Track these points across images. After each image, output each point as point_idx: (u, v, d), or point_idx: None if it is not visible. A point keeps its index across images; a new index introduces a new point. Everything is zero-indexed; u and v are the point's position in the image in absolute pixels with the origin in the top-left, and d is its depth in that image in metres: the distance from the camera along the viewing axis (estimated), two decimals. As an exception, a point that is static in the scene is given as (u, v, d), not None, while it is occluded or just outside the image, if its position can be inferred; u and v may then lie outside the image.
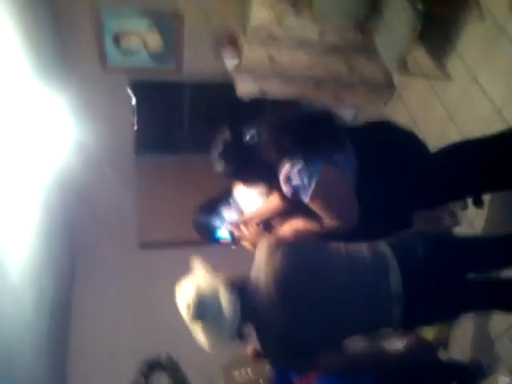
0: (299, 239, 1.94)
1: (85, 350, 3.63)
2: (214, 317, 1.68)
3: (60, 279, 3.36)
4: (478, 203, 2.92)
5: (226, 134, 2.03)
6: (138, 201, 4.30)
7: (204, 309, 1.67)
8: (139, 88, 4.20)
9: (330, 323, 1.74)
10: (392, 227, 2.02)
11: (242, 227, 2.30)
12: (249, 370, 3.39)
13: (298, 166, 1.87)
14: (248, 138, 2.00)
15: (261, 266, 1.74)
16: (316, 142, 1.91)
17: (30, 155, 2.61)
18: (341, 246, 1.83)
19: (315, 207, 1.94)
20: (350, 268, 1.76)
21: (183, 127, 4.67)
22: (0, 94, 2.16)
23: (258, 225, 2.31)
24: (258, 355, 2.45)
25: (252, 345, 2.45)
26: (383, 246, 1.80)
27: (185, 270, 4.29)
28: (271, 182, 2.08)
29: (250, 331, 1.77)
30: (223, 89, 4.16)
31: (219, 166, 2.03)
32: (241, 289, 1.73)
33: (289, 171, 1.89)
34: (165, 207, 4.14)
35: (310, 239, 1.95)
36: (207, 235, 2.62)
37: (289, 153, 1.90)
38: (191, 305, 1.68)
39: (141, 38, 3.75)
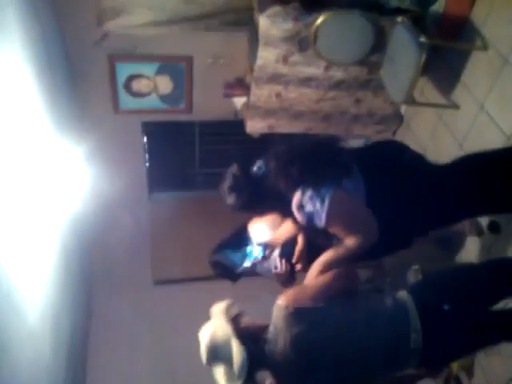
0: (318, 299, 1.86)
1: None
2: (226, 363, 1.74)
3: (77, 320, 3.37)
4: (494, 229, 2.90)
5: (233, 167, 2.07)
6: (151, 239, 4.33)
7: (216, 355, 1.77)
8: (150, 128, 4.31)
9: (348, 377, 1.80)
10: (394, 247, 2.05)
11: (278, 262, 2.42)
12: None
13: (309, 193, 1.89)
14: (255, 169, 2.04)
15: (278, 331, 1.74)
16: (324, 169, 1.93)
17: (46, 202, 2.66)
18: (361, 301, 1.87)
19: (332, 229, 1.95)
20: (369, 325, 1.79)
21: (194, 165, 4.75)
22: (15, 141, 2.23)
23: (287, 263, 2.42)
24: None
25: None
26: (402, 294, 1.84)
27: (199, 305, 4.26)
28: (283, 211, 2.10)
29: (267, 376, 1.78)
30: (232, 126, 4.25)
31: (229, 199, 2.06)
32: (256, 339, 1.78)
33: (300, 199, 1.91)
34: (178, 243, 4.17)
35: (339, 272, 1.94)
36: (227, 272, 2.66)
37: (298, 182, 1.92)
38: (205, 349, 1.80)
39: (151, 81, 3.87)
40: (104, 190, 3.38)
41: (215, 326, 1.82)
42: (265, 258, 2.46)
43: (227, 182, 2.06)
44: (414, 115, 3.83)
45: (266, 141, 4.51)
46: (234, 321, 1.84)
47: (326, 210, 1.87)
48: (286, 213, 2.08)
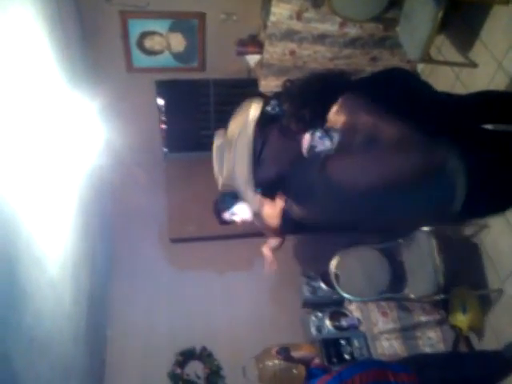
0: None
1: (122, 340, 3.74)
2: None
3: (97, 272, 3.49)
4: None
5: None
6: (168, 197, 4.39)
7: None
8: (164, 87, 4.29)
9: None
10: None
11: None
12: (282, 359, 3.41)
13: (319, 134, 1.93)
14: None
15: None
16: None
17: (64, 155, 2.71)
18: None
19: None
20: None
21: (210, 126, 4.73)
22: (33, 97, 2.25)
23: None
24: (280, 354, 2.61)
25: (275, 347, 2.62)
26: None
27: (215, 263, 4.37)
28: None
29: None
30: (247, 85, 4.21)
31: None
32: None
33: (311, 140, 1.95)
34: (194, 203, 4.22)
35: None
36: (216, 213, 2.92)
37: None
38: None
39: (164, 39, 3.83)
40: (119, 146, 3.42)
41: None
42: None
43: None
44: (431, 74, 3.75)
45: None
46: None
47: (336, 144, 1.91)
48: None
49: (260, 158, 2.12)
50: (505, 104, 2.23)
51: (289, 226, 3.09)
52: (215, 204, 3.03)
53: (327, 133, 1.93)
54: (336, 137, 1.91)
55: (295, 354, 2.70)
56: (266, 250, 3.18)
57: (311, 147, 1.95)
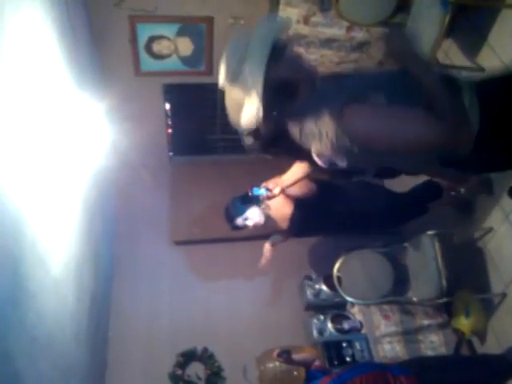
0: None
1: (124, 341, 3.77)
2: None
3: (100, 273, 3.52)
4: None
5: None
6: (172, 200, 4.43)
7: None
8: (172, 91, 4.33)
9: None
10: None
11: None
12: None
13: None
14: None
15: None
16: None
17: (69, 157, 2.76)
18: None
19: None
20: None
21: (216, 130, 4.76)
22: (41, 99, 2.30)
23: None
24: (281, 356, 2.64)
25: (277, 348, 2.68)
26: None
27: (218, 266, 4.39)
28: (299, 155, 2.15)
29: None
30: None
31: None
32: None
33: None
34: (198, 206, 4.25)
35: None
36: (228, 218, 3.04)
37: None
38: None
39: (172, 43, 3.87)
40: (125, 149, 3.46)
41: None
42: (268, 197, 2.79)
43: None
44: (437, 78, 3.74)
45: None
46: None
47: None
48: (301, 156, 2.13)
49: None
50: None
51: (297, 228, 3.15)
52: (227, 210, 3.09)
53: None
54: None
55: (296, 356, 2.71)
56: (268, 246, 3.24)
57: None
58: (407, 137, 1.51)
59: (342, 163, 1.88)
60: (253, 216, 3.04)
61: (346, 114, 1.50)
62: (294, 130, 1.68)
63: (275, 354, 2.68)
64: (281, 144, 2.07)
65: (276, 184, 2.83)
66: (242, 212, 3.00)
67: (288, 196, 3.00)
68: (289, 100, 1.61)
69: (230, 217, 3.06)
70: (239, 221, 3.03)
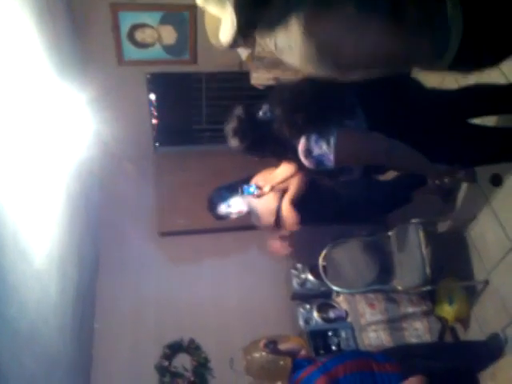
0: None
1: (110, 332, 3.74)
2: None
3: (84, 265, 3.48)
4: (496, 182, 2.91)
5: (238, 110, 2.06)
6: (157, 191, 4.40)
7: None
8: (157, 81, 4.28)
9: None
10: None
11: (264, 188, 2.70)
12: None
13: (314, 137, 1.91)
14: (261, 114, 2.04)
15: None
16: (327, 115, 1.93)
17: (51, 147, 2.71)
18: None
19: (346, 164, 2.02)
20: None
21: (201, 120, 4.73)
22: (21, 89, 2.25)
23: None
24: (267, 347, 2.68)
25: (264, 339, 2.72)
26: None
27: (204, 257, 4.38)
28: (285, 156, 2.13)
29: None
30: (239, 80, 4.21)
31: (233, 142, 2.08)
32: None
33: (307, 144, 1.92)
34: (184, 197, 4.23)
35: None
36: (213, 207, 2.99)
37: (302, 130, 1.93)
38: None
39: (155, 31, 3.82)
40: (109, 139, 3.42)
41: None
42: (258, 195, 2.73)
43: (232, 124, 2.07)
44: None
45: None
46: None
47: (333, 150, 1.89)
48: (287, 157, 2.11)
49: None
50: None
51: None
52: (210, 200, 3.04)
53: (322, 135, 1.90)
54: (332, 139, 1.87)
55: (282, 346, 2.72)
56: (275, 242, 3.13)
57: (308, 151, 1.93)
58: (369, 45, 1.44)
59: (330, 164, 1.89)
60: (236, 204, 3.00)
61: (309, 23, 1.43)
62: (269, 44, 1.62)
63: (262, 344, 2.70)
64: (266, 146, 2.07)
65: (266, 182, 2.79)
66: (225, 199, 2.95)
67: (276, 191, 2.95)
68: (262, 11, 1.53)
69: (213, 205, 3.02)
70: (222, 208, 2.98)
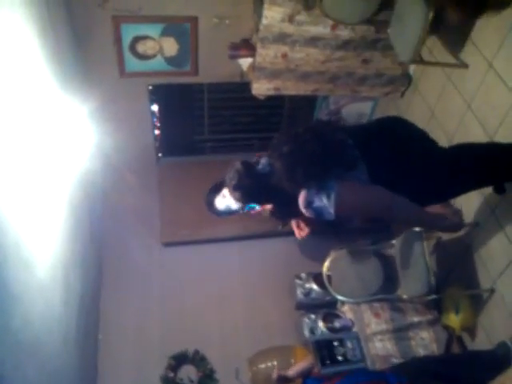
0: None
1: (114, 344, 3.73)
2: None
3: (87, 275, 3.48)
4: (500, 190, 2.90)
5: (238, 166, 2.10)
6: (160, 201, 4.40)
7: None
8: (159, 92, 4.30)
9: None
10: None
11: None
12: (275, 362, 3.40)
13: (314, 190, 1.92)
14: (260, 167, 2.08)
15: None
16: (328, 170, 1.93)
17: (53, 158, 2.72)
18: None
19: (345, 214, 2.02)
20: None
21: (202, 128, 4.75)
22: (24, 100, 2.26)
23: None
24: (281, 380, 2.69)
25: (276, 371, 2.73)
26: None
27: (207, 267, 4.36)
28: (288, 207, 2.14)
29: None
30: (241, 91, 4.23)
31: (234, 196, 2.13)
32: None
33: (307, 197, 1.94)
34: (187, 207, 4.23)
35: None
36: (212, 207, 2.81)
37: (302, 185, 1.95)
38: None
39: (156, 43, 3.85)
40: (112, 150, 3.43)
41: None
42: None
43: (232, 180, 2.11)
44: (423, 76, 3.77)
45: (273, 106, 4.52)
46: None
47: (333, 204, 1.90)
48: (291, 209, 2.12)
49: None
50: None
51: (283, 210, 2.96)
52: (205, 200, 2.98)
53: (322, 189, 1.91)
54: (333, 194, 1.90)
55: (292, 371, 2.72)
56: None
57: (308, 202, 1.95)
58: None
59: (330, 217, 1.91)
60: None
61: None
62: None
63: (274, 377, 2.70)
64: (267, 198, 2.12)
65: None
66: (217, 191, 2.93)
67: None
68: None
69: (209, 202, 2.99)
70: (219, 201, 2.94)
